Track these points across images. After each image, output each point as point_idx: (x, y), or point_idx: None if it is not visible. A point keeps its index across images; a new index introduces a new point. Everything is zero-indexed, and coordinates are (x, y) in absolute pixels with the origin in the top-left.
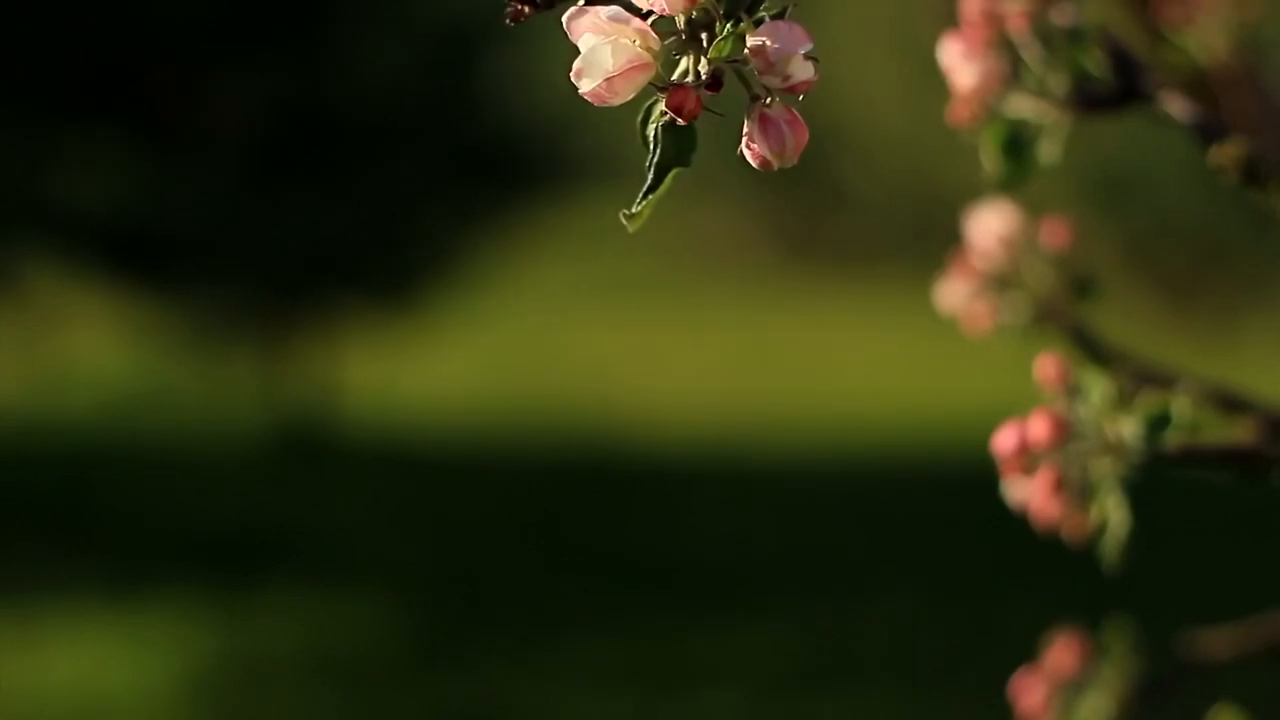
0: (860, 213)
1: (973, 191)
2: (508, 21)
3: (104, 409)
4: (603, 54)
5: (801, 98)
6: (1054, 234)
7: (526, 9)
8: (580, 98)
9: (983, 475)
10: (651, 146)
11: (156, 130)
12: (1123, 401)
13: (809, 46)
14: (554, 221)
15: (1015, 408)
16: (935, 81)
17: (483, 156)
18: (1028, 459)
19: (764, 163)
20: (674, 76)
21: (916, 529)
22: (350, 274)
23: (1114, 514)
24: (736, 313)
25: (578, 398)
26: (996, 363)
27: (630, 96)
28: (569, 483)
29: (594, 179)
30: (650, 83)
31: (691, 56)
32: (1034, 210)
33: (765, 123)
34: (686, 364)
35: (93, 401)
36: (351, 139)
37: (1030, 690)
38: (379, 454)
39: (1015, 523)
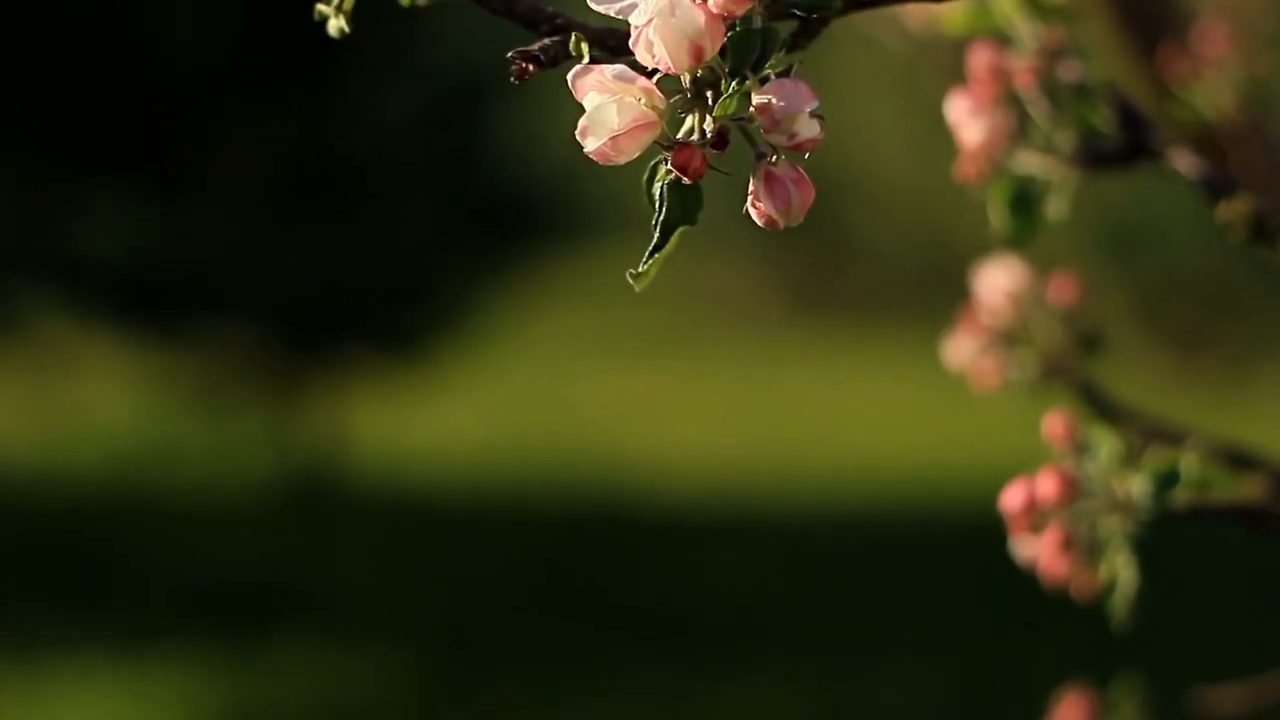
0: (869, 266)
1: (981, 244)
2: (512, 79)
3: (112, 460)
4: (608, 112)
5: (807, 156)
6: (1062, 290)
7: (531, 67)
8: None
9: (990, 530)
10: (657, 205)
11: (166, 179)
12: (1131, 459)
13: (814, 104)
14: (562, 273)
15: (1022, 462)
16: (943, 135)
17: (491, 207)
18: (1036, 516)
19: (770, 222)
20: (679, 135)
21: (925, 583)
22: (359, 324)
23: (1122, 571)
24: (745, 365)
25: (586, 449)
26: (1004, 416)
27: (636, 155)
28: (577, 534)
29: (602, 230)
30: (656, 141)
31: (697, 115)
32: (1041, 263)
33: (771, 181)
34: (695, 416)
35: (101, 452)
36: (360, 189)
37: None
38: (387, 506)
39: (1023, 578)
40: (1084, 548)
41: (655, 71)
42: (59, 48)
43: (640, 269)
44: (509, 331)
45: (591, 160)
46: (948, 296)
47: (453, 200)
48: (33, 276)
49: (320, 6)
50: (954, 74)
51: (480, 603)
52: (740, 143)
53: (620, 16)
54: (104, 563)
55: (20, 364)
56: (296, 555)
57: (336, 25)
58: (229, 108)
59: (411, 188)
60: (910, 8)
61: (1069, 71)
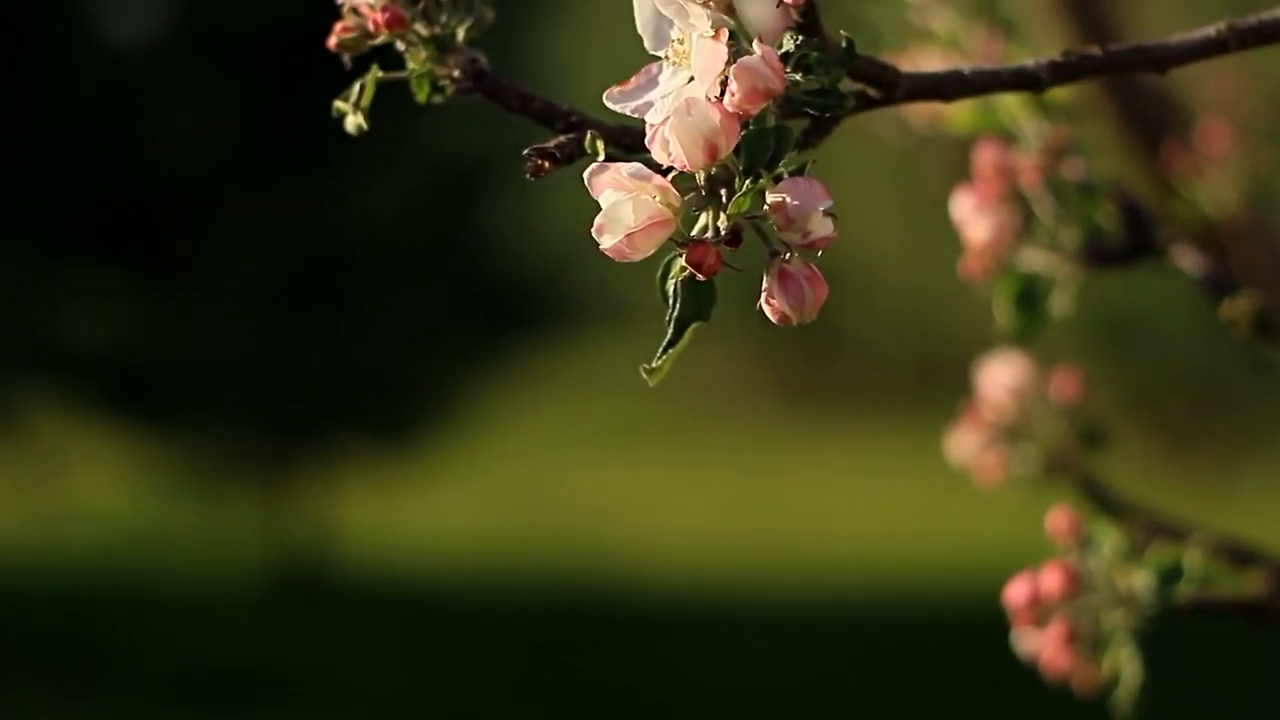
0: (862, 356)
1: (974, 337)
2: (528, 176)
3: (104, 548)
4: (624, 210)
5: (821, 254)
6: (1064, 385)
7: (547, 164)
8: (580, 237)
9: (987, 623)
10: (671, 301)
11: (159, 270)
12: (1134, 554)
13: (828, 203)
14: (554, 363)
15: (1019, 552)
16: (936, 227)
17: (484, 297)
18: (1040, 611)
19: (783, 318)
20: (694, 232)
21: (921, 675)
22: (351, 414)
23: (1126, 666)
24: (738, 455)
25: (578, 539)
26: (1000, 508)
27: (651, 252)
28: (569, 624)
29: (594, 320)
30: (670, 238)
31: (711, 212)
32: (1034, 354)
33: (785, 279)
34: (686, 506)
35: (93, 541)
36: (353, 279)
37: None
38: (379, 594)
39: (1022, 672)
40: (1087, 642)
41: (670, 169)
42: (55, 140)
43: (654, 364)
44: (500, 421)
45: (583, 251)
46: (940, 388)
47: (445, 290)
48: (26, 367)
49: (338, 103)
50: (951, 168)
51: (470, 690)
52: (747, 236)
53: (635, 115)
54: (96, 649)
55: (13, 452)
56: (287, 642)
57: (355, 122)
58: (222, 200)
59: (404, 278)
60: (914, 105)
61: (1073, 169)
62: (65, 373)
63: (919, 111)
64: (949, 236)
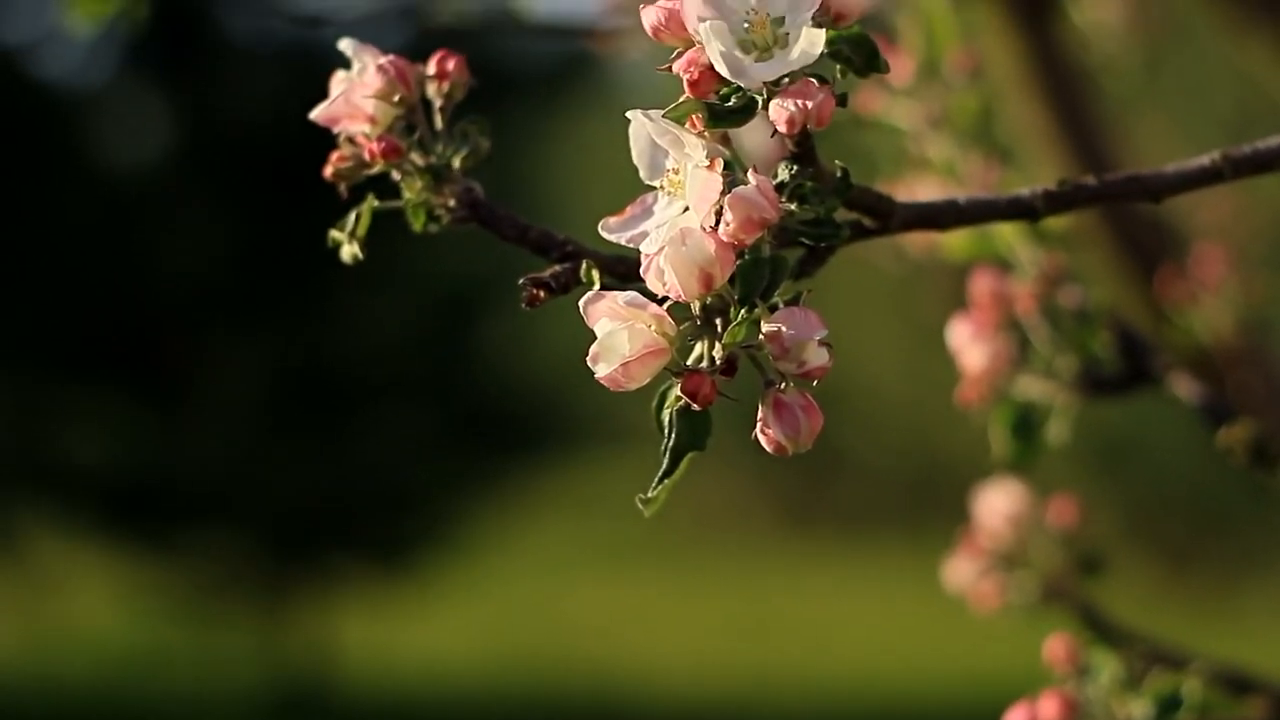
0: (859, 478)
1: (972, 460)
2: (524, 305)
3: (102, 669)
4: (619, 339)
5: (816, 383)
6: (1061, 513)
7: (542, 293)
8: (576, 360)
9: None
10: (666, 431)
11: (158, 391)
12: (1133, 682)
13: (823, 332)
14: (551, 484)
15: (1017, 679)
16: (933, 350)
17: (480, 419)
18: None
19: (779, 448)
20: (689, 361)
21: None
22: (349, 535)
23: None
24: (735, 577)
25: (575, 660)
26: (998, 634)
27: (646, 381)
28: None
29: (590, 442)
30: (666, 367)
31: (706, 342)
32: (1029, 475)
33: (780, 408)
34: (684, 627)
35: (91, 663)
36: (351, 401)
37: None
38: (376, 715)
39: None
40: None
41: (666, 299)
42: (57, 261)
43: (650, 494)
44: (498, 542)
45: (578, 374)
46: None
47: (442, 412)
48: (25, 487)
49: (334, 233)
50: (947, 294)
51: None
52: (744, 363)
53: (631, 245)
54: None
55: (11, 573)
56: None
57: (350, 252)
58: (221, 321)
59: (401, 400)
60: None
61: (1069, 297)
62: (64, 493)
63: (915, 240)
64: (945, 360)
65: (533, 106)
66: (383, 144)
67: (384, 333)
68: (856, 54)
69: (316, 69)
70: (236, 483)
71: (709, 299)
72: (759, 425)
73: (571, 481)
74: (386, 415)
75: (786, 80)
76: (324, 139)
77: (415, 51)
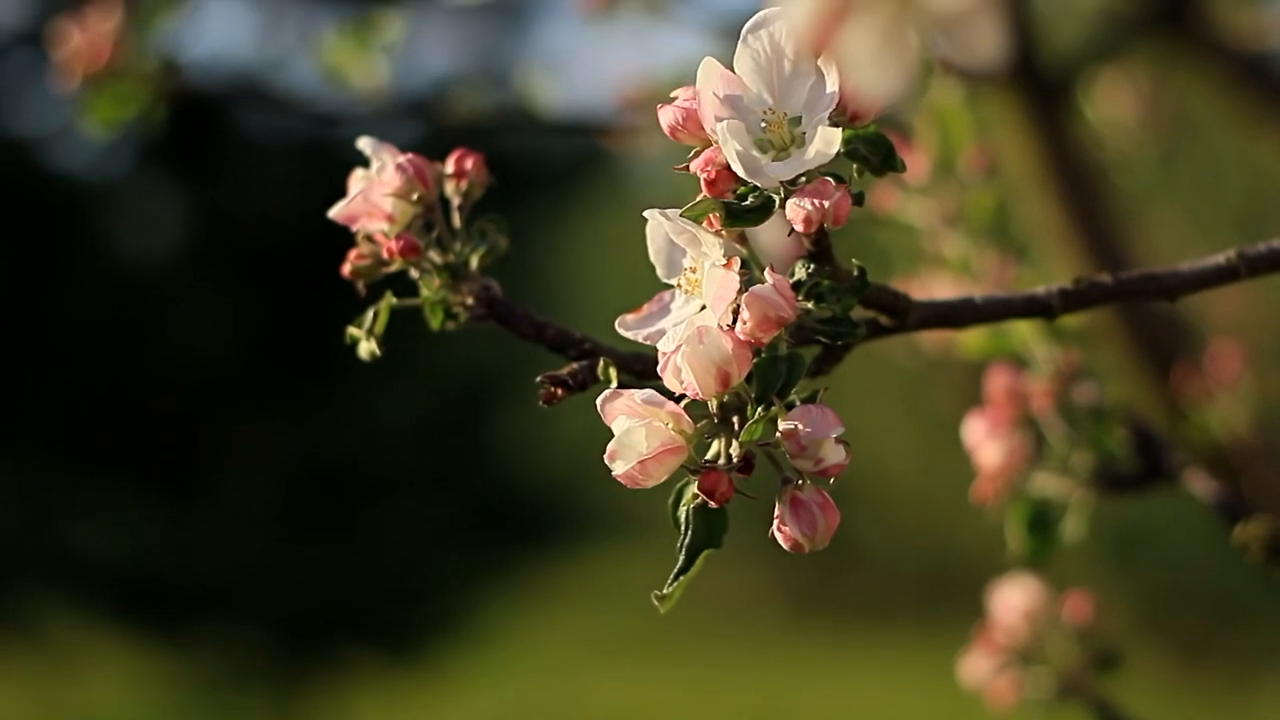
0: (873, 570)
1: (986, 551)
2: (541, 403)
3: None
4: (637, 437)
5: (833, 481)
6: (1076, 609)
7: (560, 391)
8: (590, 453)
9: None
10: (683, 528)
11: (169, 482)
12: None
13: (840, 430)
14: (563, 577)
15: None
16: (946, 441)
17: (493, 511)
18: None
19: (795, 545)
20: (706, 459)
21: None
22: (361, 626)
23: None
24: (750, 669)
25: None
26: None
27: (663, 479)
28: None
29: (602, 534)
30: (683, 465)
31: (723, 439)
32: (1043, 570)
33: (797, 506)
34: None
35: None
36: (363, 493)
37: None
38: None
39: None
40: None
41: (683, 397)
42: (68, 352)
43: (665, 591)
44: (509, 635)
45: (590, 465)
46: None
47: (454, 504)
48: (38, 577)
49: (352, 330)
50: (962, 389)
51: None
52: (761, 459)
53: (648, 343)
54: None
55: (25, 663)
56: None
57: (368, 349)
58: (235, 414)
59: (413, 491)
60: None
61: (1085, 394)
62: (77, 583)
63: (931, 337)
64: (961, 454)
65: (547, 201)
66: (401, 242)
67: (397, 425)
68: (873, 153)
69: (332, 164)
70: (249, 575)
71: (726, 397)
72: (776, 523)
73: (585, 574)
74: (400, 507)
75: (803, 179)
76: (337, 232)
77: (429, 147)
